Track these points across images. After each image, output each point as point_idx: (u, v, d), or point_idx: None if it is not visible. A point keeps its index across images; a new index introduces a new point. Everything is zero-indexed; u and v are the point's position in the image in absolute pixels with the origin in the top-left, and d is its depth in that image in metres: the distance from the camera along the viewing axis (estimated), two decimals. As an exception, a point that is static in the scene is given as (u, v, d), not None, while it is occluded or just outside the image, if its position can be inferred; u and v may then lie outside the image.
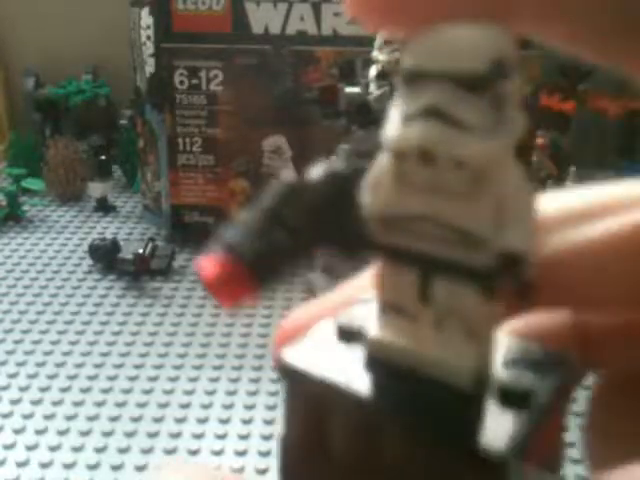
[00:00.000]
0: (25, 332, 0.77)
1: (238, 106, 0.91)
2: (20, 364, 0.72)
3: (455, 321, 0.17)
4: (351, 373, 0.16)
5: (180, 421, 0.64)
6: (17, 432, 0.62)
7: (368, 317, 0.17)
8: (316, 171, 0.17)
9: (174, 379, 0.70)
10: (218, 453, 0.60)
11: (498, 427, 0.15)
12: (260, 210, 0.17)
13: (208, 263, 0.16)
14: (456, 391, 0.16)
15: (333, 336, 0.18)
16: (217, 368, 0.72)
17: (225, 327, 0.79)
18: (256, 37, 0.88)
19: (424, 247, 0.16)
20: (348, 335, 0.17)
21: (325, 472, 0.17)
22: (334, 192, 0.17)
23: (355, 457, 0.16)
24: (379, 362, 0.17)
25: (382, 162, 0.15)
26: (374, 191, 0.15)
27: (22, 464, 0.59)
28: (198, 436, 0.62)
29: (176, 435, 0.62)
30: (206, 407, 0.66)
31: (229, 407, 0.66)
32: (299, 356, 0.17)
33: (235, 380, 0.70)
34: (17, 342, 0.76)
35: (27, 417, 0.64)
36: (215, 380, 0.70)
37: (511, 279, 0.15)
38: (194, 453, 0.60)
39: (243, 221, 0.17)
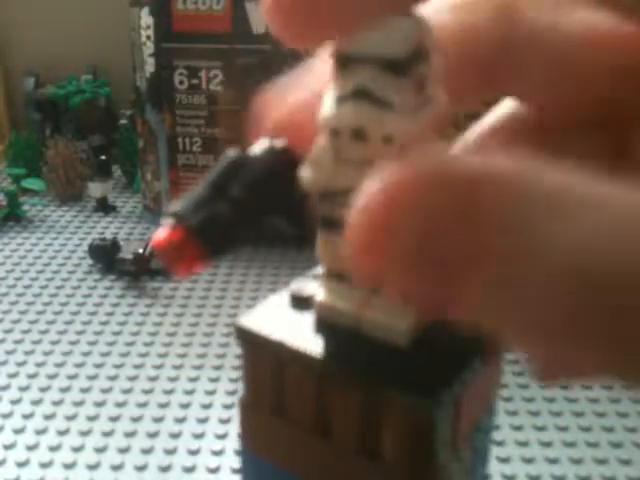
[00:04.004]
0: (25, 332, 0.77)
1: (238, 106, 0.91)
2: (20, 364, 0.72)
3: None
4: (302, 336, 0.18)
5: (180, 421, 0.64)
6: (17, 432, 0.62)
7: (319, 286, 0.19)
8: (257, 146, 0.19)
9: (174, 379, 0.70)
10: (218, 453, 0.60)
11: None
12: (206, 183, 0.18)
13: (159, 232, 0.18)
14: (393, 347, 0.17)
15: (286, 304, 0.19)
16: (217, 368, 0.72)
17: (225, 327, 0.79)
18: (256, 37, 0.88)
19: None
20: (300, 302, 0.19)
21: (281, 428, 0.18)
22: (274, 165, 0.19)
23: (308, 414, 0.17)
24: (326, 325, 0.18)
25: (321, 141, 0.16)
26: (315, 167, 0.17)
27: (22, 464, 0.59)
28: (198, 436, 0.62)
29: (176, 435, 0.62)
30: (206, 407, 0.66)
31: (229, 407, 0.66)
32: (256, 321, 0.19)
33: (235, 380, 0.70)
34: (17, 342, 0.76)
35: (27, 417, 0.64)
36: (215, 380, 0.70)
37: None
38: (194, 453, 0.60)
39: (191, 194, 0.18)
